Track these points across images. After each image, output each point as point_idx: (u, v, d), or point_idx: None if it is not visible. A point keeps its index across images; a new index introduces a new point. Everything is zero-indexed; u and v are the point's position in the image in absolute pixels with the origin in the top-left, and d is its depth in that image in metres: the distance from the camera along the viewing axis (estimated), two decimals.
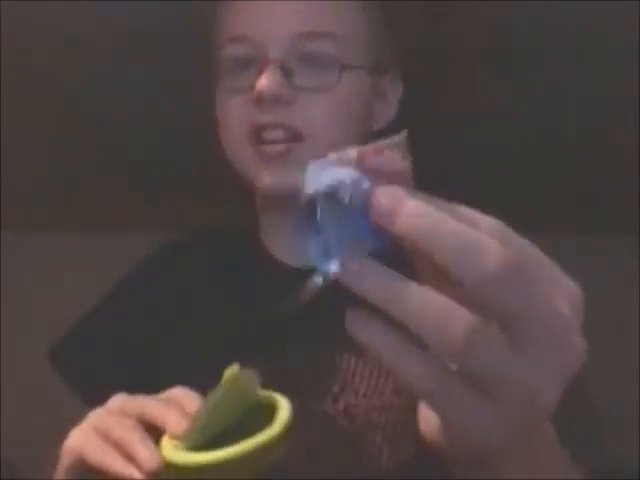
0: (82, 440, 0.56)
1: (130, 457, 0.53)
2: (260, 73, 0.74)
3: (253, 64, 0.76)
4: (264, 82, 0.74)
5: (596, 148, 1.55)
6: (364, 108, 0.81)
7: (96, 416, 0.57)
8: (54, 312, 1.27)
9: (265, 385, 0.71)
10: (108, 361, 0.80)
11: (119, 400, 0.58)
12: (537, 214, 1.85)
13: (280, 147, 0.75)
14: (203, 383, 0.57)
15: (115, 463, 0.54)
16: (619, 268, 1.92)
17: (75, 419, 0.57)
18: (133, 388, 0.59)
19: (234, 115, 0.77)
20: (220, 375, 0.53)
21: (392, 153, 0.38)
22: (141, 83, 1.32)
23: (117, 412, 0.57)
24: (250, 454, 0.51)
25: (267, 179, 0.75)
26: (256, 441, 0.51)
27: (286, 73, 0.75)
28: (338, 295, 0.83)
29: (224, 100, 0.79)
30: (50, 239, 1.94)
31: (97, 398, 0.59)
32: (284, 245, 0.83)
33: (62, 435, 0.59)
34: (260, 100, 0.74)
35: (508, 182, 1.68)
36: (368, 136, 0.84)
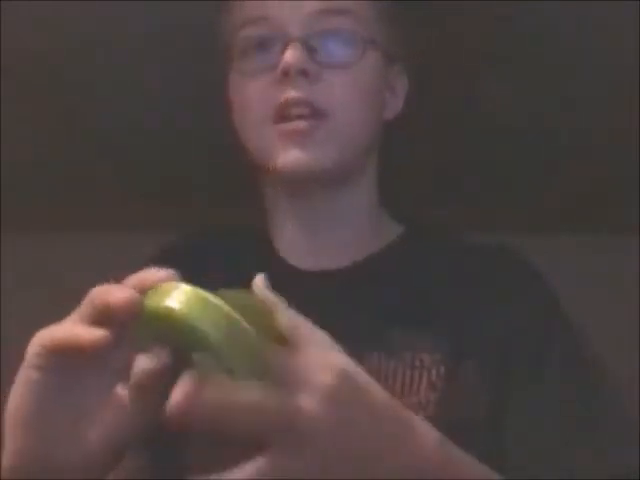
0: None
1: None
2: (284, 50, 0.75)
3: (272, 44, 0.76)
4: (289, 57, 0.74)
5: (596, 148, 1.55)
6: (379, 93, 0.82)
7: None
8: (54, 312, 1.27)
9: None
10: None
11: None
12: (537, 214, 1.85)
13: (304, 124, 0.75)
14: None
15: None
16: (619, 268, 1.92)
17: None
18: None
19: (256, 95, 0.77)
20: None
21: None
22: (142, 83, 1.32)
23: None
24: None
25: (288, 157, 0.75)
26: None
27: (309, 50, 0.75)
28: (356, 293, 0.83)
29: (242, 82, 0.79)
30: (50, 239, 1.94)
31: None
32: (295, 243, 0.82)
33: None
34: (286, 75, 0.74)
35: (508, 182, 1.68)
36: (381, 125, 0.85)
